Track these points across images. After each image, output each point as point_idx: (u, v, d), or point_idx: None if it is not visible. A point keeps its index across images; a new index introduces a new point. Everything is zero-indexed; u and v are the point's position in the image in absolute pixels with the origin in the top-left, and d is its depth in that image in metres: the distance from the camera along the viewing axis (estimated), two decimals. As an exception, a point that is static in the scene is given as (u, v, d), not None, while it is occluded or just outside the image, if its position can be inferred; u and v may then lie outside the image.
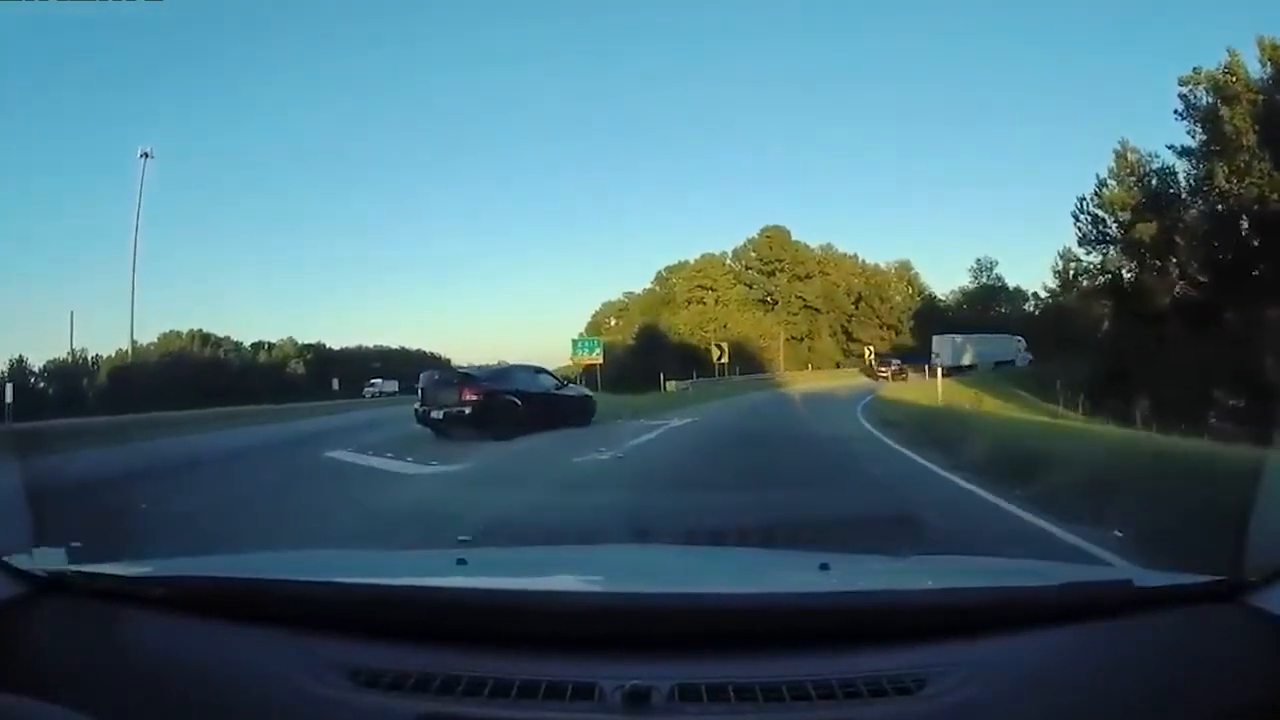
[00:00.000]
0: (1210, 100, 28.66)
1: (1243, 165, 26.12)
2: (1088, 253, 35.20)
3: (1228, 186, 26.55)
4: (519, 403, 13.41)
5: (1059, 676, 1.28)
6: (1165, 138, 36.64)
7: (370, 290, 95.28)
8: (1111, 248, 33.24)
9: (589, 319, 69.33)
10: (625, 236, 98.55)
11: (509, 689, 1.23)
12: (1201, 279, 27.74)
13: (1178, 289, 29.13)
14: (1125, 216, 31.82)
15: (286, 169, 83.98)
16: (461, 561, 1.99)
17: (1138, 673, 1.31)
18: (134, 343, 49.39)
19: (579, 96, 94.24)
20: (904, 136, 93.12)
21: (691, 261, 68.81)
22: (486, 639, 1.36)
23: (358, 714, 1.21)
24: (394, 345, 66.25)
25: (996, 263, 68.11)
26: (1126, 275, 32.76)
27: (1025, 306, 64.63)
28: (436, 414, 12.95)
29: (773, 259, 67.33)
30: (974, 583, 1.84)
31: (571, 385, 18.20)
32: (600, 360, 30.83)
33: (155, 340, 55.99)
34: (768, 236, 67.88)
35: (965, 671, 1.25)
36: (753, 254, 68.83)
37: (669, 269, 70.17)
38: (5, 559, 1.55)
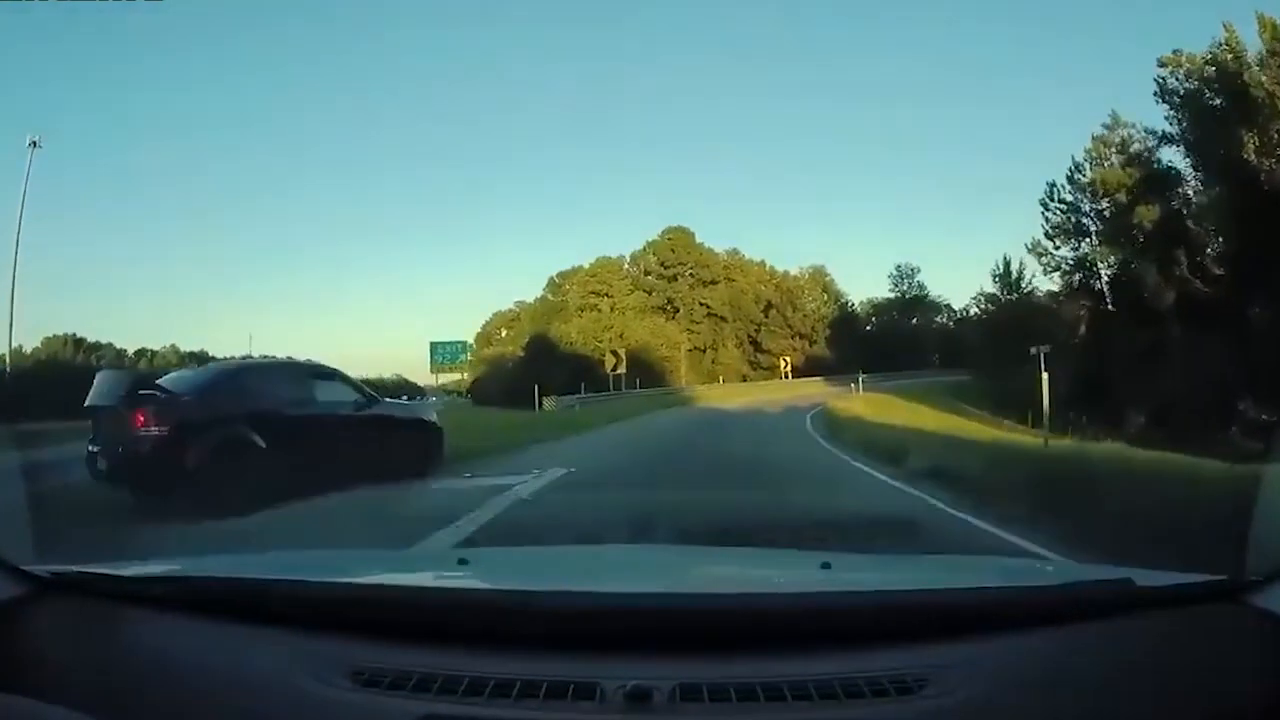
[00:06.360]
0: (1189, 84, 25.19)
1: (1276, 136, 21.54)
2: (1057, 246, 31.09)
3: (1258, 162, 21.80)
4: (257, 440, 7.25)
5: (1060, 676, 1.28)
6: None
7: (259, 298, 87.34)
8: (1087, 239, 28.64)
9: (479, 330, 63.85)
10: (518, 242, 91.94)
11: (510, 689, 1.22)
12: (1217, 271, 22.99)
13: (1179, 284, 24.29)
14: (1105, 205, 27.32)
15: (177, 167, 77.13)
16: (463, 561, 1.99)
17: (1138, 673, 1.31)
18: (12, 348, 40.56)
19: (467, 91, 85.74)
20: (818, 134, 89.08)
21: (586, 266, 62.99)
22: (488, 639, 1.36)
23: (358, 714, 1.21)
24: (281, 355, 56.30)
25: (918, 269, 64.69)
26: (1105, 270, 28.12)
27: (938, 319, 61.98)
28: (102, 463, 7.17)
29: (675, 263, 62.02)
30: (975, 582, 1.84)
31: (397, 401, 11.46)
32: (465, 371, 22.75)
33: (39, 344, 48.84)
34: (669, 238, 62.59)
35: (967, 671, 1.24)
36: (653, 257, 63.25)
37: (562, 275, 64.43)
38: (5, 559, 1.53)
